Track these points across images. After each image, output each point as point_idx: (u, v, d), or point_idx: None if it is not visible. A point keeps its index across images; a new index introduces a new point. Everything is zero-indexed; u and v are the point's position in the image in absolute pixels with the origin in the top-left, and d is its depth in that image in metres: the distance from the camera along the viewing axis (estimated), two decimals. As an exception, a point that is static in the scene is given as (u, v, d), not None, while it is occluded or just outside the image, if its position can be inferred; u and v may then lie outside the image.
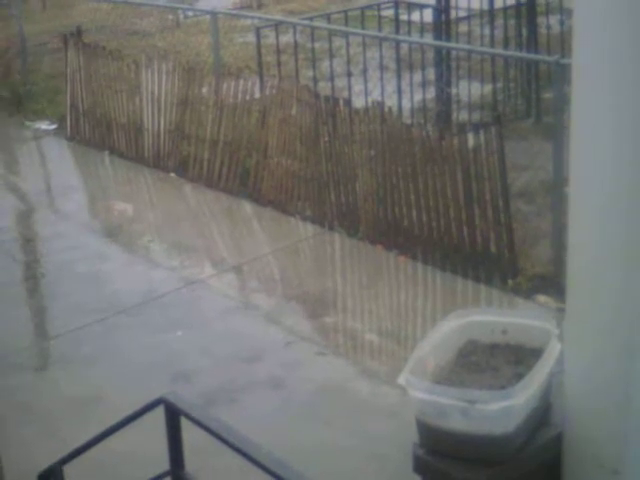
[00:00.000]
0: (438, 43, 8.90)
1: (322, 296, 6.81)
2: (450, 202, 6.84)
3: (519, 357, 3.31)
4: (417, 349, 3.23)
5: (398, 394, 5.17)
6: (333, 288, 7.03)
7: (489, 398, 2.95)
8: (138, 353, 6.18)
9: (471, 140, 6.70)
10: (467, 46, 8.94)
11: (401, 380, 2.99)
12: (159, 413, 3.46)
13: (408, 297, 6.92)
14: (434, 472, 3.07)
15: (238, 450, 3.08)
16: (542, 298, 6.39)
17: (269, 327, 6.47)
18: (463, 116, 8.98)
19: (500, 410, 2.93)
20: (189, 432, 3.46)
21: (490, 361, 3.29)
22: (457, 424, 2.98)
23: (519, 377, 3.09)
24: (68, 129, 10.32)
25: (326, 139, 7.65)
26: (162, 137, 9.20)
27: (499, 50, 9.24)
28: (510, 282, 6.59)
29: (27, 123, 10.84)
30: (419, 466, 3.11)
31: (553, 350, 3.18)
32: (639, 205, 2.92)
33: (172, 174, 9.11)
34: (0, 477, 3.09)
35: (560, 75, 6.47)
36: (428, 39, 9.27)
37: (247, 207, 8.38)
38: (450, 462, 3.03)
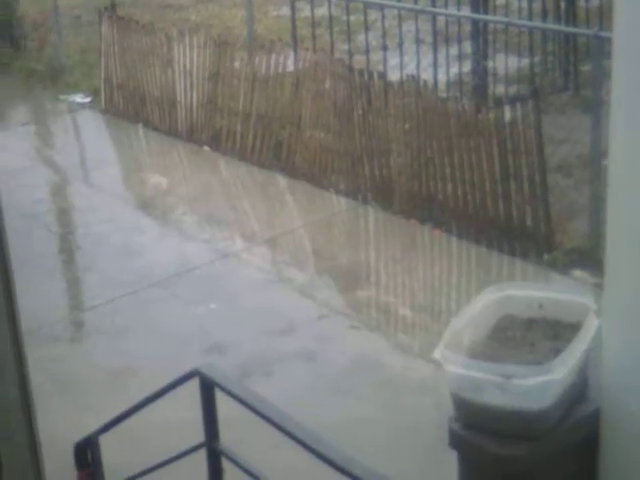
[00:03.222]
0: (475, 16, 8.80)
1: (355, 270, 6.79)
2: (486, 176, 6.79)
3: (556, 332, 3.26)
4: (452, 323, 3.20)
5: (432, 368, 5.15)
6: (367, 262, 7.01)
7: (526, 373, 2.91)
8: (172, 325, 6.20)
9: (508, 113, 6.63)
10: (505, 19, 8.82)
11: (436, 354, 2.96)
12: (195, 385, 3.46)
13: (442, 271, 6.88)
14: (470, 447, 3.04)
15: (272, 422, 3.08)
16: (579, 273, 6.32)
17: (302, 300, 6.47)
18: (500, 89, 8.89)
19: (537, 385, 2.90)
20: (224, 404, 3.47)
21: (527, 336, 3.24)
22: (493, 399, 2.95)
23: (556, 352, 3.04)
24: (102, 102, 10.34)
25: (360, 112, 7.61)
26: (195, 110, 9.19)
27: (537, 23, 9.12)
28: (546, 257, 6.53)
29: (61, 96, 10.87)
30: (454, 441, 3.09)
31: (591, 325, 3.13)
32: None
33: (205, 147, 9.11)
34: (36, 448, 3.12)
35: (598, 48, 6.39)
36: (465, 12, 9.16)
37: (280, 180, 8.36)
38: (486, 437, 3.00)
